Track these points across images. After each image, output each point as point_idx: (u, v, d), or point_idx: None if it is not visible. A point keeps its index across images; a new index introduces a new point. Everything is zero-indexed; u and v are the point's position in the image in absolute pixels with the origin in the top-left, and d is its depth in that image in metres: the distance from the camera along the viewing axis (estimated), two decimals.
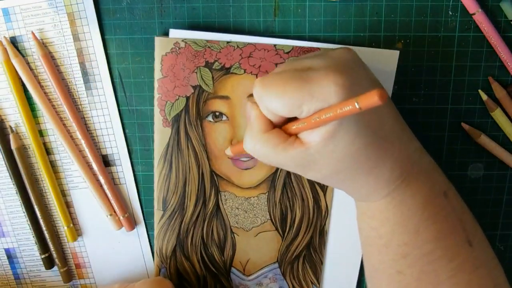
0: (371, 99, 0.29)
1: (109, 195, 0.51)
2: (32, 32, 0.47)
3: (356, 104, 0.30)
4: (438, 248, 0.40)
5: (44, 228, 0.52)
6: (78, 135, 0.49)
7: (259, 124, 0.38)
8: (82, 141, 0.50)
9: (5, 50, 0.47)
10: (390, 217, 0.40)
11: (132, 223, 0.52)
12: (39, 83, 0.48)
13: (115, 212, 0.51)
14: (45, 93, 0.49)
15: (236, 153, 0.46)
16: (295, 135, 0.38)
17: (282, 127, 0.39)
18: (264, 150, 0.38)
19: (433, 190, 0.40)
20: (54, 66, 0.48)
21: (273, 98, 0.36)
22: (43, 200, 0.51)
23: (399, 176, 0.39)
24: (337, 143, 0.36)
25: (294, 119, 0.37)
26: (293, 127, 0.37)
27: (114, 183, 0.51)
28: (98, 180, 0.51)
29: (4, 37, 0.47)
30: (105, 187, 0.51)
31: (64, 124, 0.50)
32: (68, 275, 0.54)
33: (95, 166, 0.50)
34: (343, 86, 0.34)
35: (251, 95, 0.39)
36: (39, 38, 0.48)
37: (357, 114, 0.35)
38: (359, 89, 0.35)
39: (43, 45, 0.48)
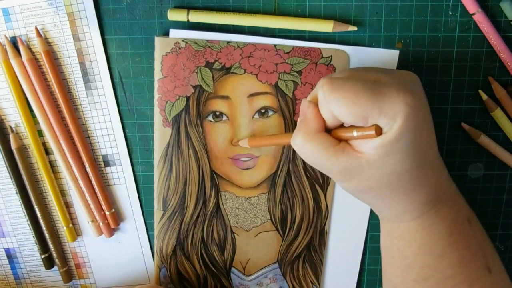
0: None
1: (89, 200, 0.51)
2: (36, 27, 0.47)
3: (354, 133, 0.34)
4: (459, 274, 0.40)
5: (44, 228, 0.52)
6: (62, 141, 0.49)
7: (315, 124, 0.38)
8: (65, 147, 0.50)
9: (4, 50, 0.47)
10: (418, 239, 0.41)
11: (111, 229, 0.52)
12: (39, 83, 0.48)
13: (95, 218, 0.52)
14: (44, 93, 0.48)
15: (254, 145, 0.47)
16: (345, 141, 0.38)
17: (332, 131, 0.39)
18: (314, 151, 0.38)
19: (458, 216, 0.41)
20: (55, 63, 0.48)
21: (342, 104, 0.36)
22: (43, 200, 0.51)
23: (432, 201, 0.40)
24: (389, 158, 0.36)
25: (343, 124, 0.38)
26: (342, 133, 0.38)
27: (101, 185, 0.51)
28: (80, 187, 0.51)
29: (5, 36, 0.47)
30: (86, 193, 0.51)
31: (58, 126, 0.49)
32: (68, 275, 0.54)
33: (76, 172, 0.50)
34: (412, 107, 0.35)
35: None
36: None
37: (413, 135, 0.35)
38: (422, 112, 0.36)
39: (46, 42, 0.48)
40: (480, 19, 0.46)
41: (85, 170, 0.50)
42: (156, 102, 0.48)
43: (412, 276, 0.42)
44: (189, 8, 0.47)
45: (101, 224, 0.52)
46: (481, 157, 0.51)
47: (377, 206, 0.42)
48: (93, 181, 0.51)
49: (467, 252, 0.40)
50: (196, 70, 0.47)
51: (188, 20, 0.47)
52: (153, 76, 0.48)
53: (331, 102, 0.37)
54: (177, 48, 0.47)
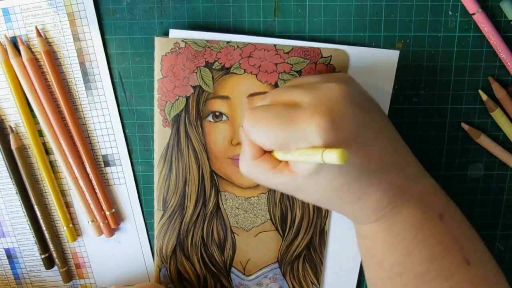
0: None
1: (89, 200, 0.51)
2: (36, 27, 0.47)
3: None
4: (433, 269, 0.40)
5: (44, 228, 0.52)
6: (62, 141, 0.49)
7: (250, 151, 0.40)
8: (65, 147, 0.50)
9: (4, 50, 0.47)
10: (381, 239, 0.42)
11: (111, 229, 0.52)
12: (39, 83, 0.48)
13: (96, 219, 0.52)
14: (44, 93, 0.48)
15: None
16: (285, 162, 0.39)
17: (273, 152, 0.40)
18: (257, 175, 0.41)
19: (426, 214, 0.41)
20: (55, 63, 0.48)
21: (259, 135, 0.38)
22: (43, 200, 0.51)
23: (387, 205, 0.40)
24: (321, 178, 0.37)
25: None
26: (281, 155, 0.39)
27: (101, 185, 0.51)
28: (81, 187, 0.51)
29: (5, 35, 0.47)
30: (86, 193, 0.51)
31: (58, 126, 0.49)
32: (68, 275, 0.54)
33: (76, 172, 0.50)
34: (326, 129, 0.35)
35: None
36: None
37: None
38: (345, 128, 0.36)
39: (46, 42, 0.48)
40: (480, 19, 0.46)
41: (85, 170, 0.50)
42: (156, 102, 0.48)
43: (385, 273, 0.42)
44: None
45: (101, 224, 0.52)
46: (481, 157, 0.51)
47: (336, 211, 0.44)
48: (93, 181, 0.51)
49: (439, 248, 0.41)
50: (195, 70, 0.47)
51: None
52: (153, 76, 0.48)
53: (251, 134, 0.39)
54: (177, 48, 0.47)
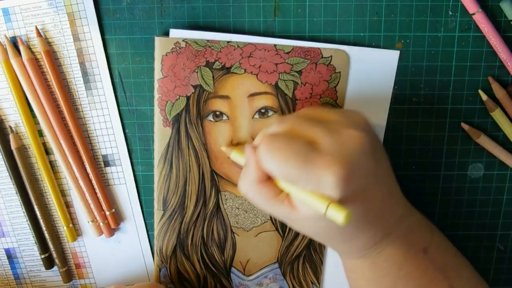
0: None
1: (90, 200, 0.51)
2: (36, 27, 0.47)
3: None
4: None
5: (44, 228, 0.52)
6: (62, 140, 0.49)
7: (255, 175, 0.39)
8: (65, 146, 0.50)
9: (4, 50, 0.47)
10: (366, 274, 0.43)
11: (111, 229, 0.52)
12: (39, 83, 0.48)
13: (96, 219, 0.52)
14: (44, 93, 0.48)
15: (237, 162, 0.47)
16: (287, 193, 0.39)
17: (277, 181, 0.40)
18: (256, 199, 0.40)
19: (410, 250, 0.42)
20: (55, 63, 0.48)
21: (273, 165, 0.38)
22: (43, 200, 0.51)
23: (373, 245, 0.41)
24: (320, 222, 0.38)
25: None
26: (286, 187, 0.39)
27: (101, 185, 0.51)
28: (81, 187, 0.51)
29: (5, 35, 0.47)
30: (86, 193, 0.51)
31: (58, 126, 0.49)
32: (68, 275, 0.54)
33: (77, 173, 0.50)
34: (341, 181, 0.35)
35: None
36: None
37: (350, 205, 0.36)
38: (357, 182, 0.36)
39: (46, 42, 0.48)
40: (480, 19, 0.46)
41: (85, 170, 0.50)
42: (156, 102, 0.48)
43: None
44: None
45: (101, 224, 0.52)
46: (481, 157, 0.51)
47: (325, 244, 0.46)
48: (93, 181, 0.51)
49: (423, 279, 0.41)
50: (196, 70, 0.47)
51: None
52: (153, 76, 0.48)
53: (265, 160, 0.38)
54: (177, 48, 0.47)
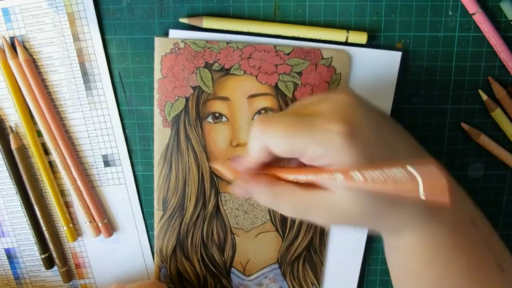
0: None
1: (88, 201, 0.51)
2: (3, 37, 0.48)
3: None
4: (471, 278, 0.39)
5: (44, 228, 0.52)
6: (59, 141, 0.50)
7: (267, 182, 0.38)
8: (62, 147, 0.50)
9: (2, 51, 0.47)
10: (419, 251, 0.39)
11: (110, 230, 0.52)
12: (36, 83, 0.48)
13: (94, 219, 0.52)
14: (41, 93, 0.48)
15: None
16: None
17: (279, 173, 0.38)
18: (287, 202, 0.38)
19: (460, 219, 0.39)
20: (36, 72, 0.48)
21: (276, 137, 0.36)
22: (43, 200, 0.51)
23: (423, 213, 0.38)
24: (361, 196, 0.35)
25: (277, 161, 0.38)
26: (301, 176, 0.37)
27: (92, 185, 0.52)
28: (78, 186, 0.51)
29: (3, 37, 0.47)
30: (84, 193, 0.51)
31: (51, 127, 0.50)
32: (68, 275, 0.54)
33: (74, 172, 0.50)
34: (347, 132, 0.34)
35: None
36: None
37: (361, 152, 0.34)
38: (366, 129, 0.35)
39: (25, 51, 0.48)
40: (480, 19, 0.46)
41: (82, 171, 0.51)
42: (156, 103, 0.48)
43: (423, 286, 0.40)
44: (194, 14, 0.47)
45: (99, 224, 0.52)
46: (481, 157, 0.51)
47: (371, 228, 0.41)
48: (92, 183, 0.51)
49: (474, 256, 0.39)
50: (195, 71, 0.47)
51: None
52: (153, 76, 0.48)
53: (267, 136, 0.36)
54: (177, 49, 0.47)
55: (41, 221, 0.52)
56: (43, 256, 0.53)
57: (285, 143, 0.36)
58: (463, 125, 0.50)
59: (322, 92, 0.47)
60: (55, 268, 0.54)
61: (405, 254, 0.40)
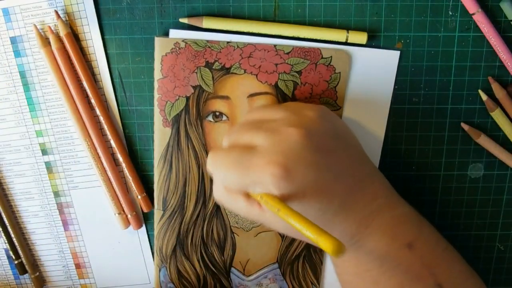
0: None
1: (119, 193, 0.51)
2: (56, 11, 0.47)
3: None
4: None
5: (12, 235, 0.52)
6: (92, 133, 0.49)
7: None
8: (93, 136, 0.50)
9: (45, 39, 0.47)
10: (349, 268, 0.43)
11: (140, 221, 0.52)
12: (68, 72, 0.48)
13: (123, 210, 0.51)
14: (72, 81, 0.48)
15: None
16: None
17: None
18: (229, 204, 0.41)
19: (392, 244, 0.41)
20: (77, 46, 0.48)
21: (220, 178, 0.40)
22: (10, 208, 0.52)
23: (351, 239, 0.40)
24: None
25: None
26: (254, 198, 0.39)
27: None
28: (108, 178, 0.51)
29: (34, 25, 0.47)
30: (114, 185, 0.51)
31: (82, 119, 0.49)
32: (39, 281, 0.54)
33: (105, 164, 0.50)
34: (280, 179, 0.36)
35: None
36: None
37: (302, 201, 0.37)
38: (302, 175, 0.37)
39: (67, 24, 0.48)
40: (480, 19, 0.46)
41: (113, 159, 0.51)
42: (156, 102, 0.48)
43: None
44: (194, 14, 0.47)
45: (129, 216, 0.51)
46: (481, 157, 0.51)
47: None
48: (125, 169, 0.51)
49: (407, 275, 0.41)
50: (196, 70, 0.47)
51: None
52: (153, 76, 0.48)
53: (213, 176, 0.41)
54: (177, 48, 0.47)
55: (8, 228, 0.52)
56: (16, 262, 0.53)
57: (230, 184, 0.39)
58: (463, 125, 0.50)
59: (328, 80, 0.48)
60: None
61: (339, 267, 0.45)
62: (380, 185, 0.43)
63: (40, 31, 0.47)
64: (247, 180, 0.38)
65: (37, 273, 0.53)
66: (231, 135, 0.42)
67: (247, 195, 0.39)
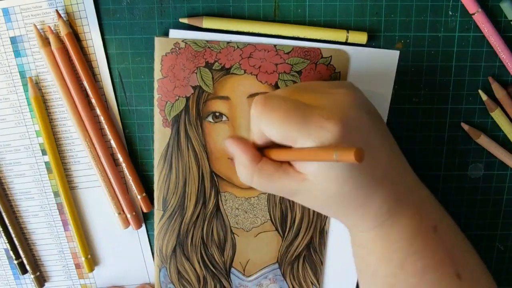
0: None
1: (118, 193, 0.51)
2: (57, 11, 0.47)
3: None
4: (424, 282, 0.40)
5: (13, 235, 0.52)
6: (92, 133, 0.49)
7: (249, 156, 0.40)
8: (93, 136, 0.50)
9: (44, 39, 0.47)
10: (377, 248, 0.41)
11: (140, 221, 0.52)
12: (67, 72, 0.48)
13: (123, 211, 0.51)
14: (72, 82, 0.48)
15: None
16: (287, 163, 0.39)
17: (268, 153, 0.40)
18: (261, 180, 0.40)
19: (421, 225, 0.41)
20: (78, 46, 0.48)
21: (272, 124, 0.37)
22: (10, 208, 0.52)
23: (386, 213, 0.40)
24: (331, 181, 0.37)
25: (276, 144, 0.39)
26: (282, 156, 0.38)
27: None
28: (108, 178, 0.51)
29: (34, 25, 0.47)
30: (114, 185, 0.51)
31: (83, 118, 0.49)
32: (39, 281, 0.54)
33: (105, 164, 0.50)
34: (340, 134, 0.35)
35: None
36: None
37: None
38: (357, 135, 0.37)
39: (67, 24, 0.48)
40: (480, 19, 0.46)
41: (114, 159, 0.50)
42: (156, 102, 0.48)
43: (377, 284, 0.42)
44: (194, 14, 0.47)
45: (129, 216, 0.51)
46: (481, 157, 0.51)
47: (334, 217, 0.43)
48: (125, 169, 0.51)
49: (432, 260, 0.40)
50: (195, 71, 0.47)
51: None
52: (153, 76, 0.48)
53: (263, 121, 0.38)
54: (177, 49, 0.47)
55: (9, 227, 0.52)
56: (16, 262, 0.53)
57: (278, 132, 0.37)
58: (463, 125, 0.50)
59: (327, 80, 0.47)
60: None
61: (365, 248, 0.42)
62: (406, 162, 0.43)
63: (40, 31, 0.47)
64: (305, 130, 0.36)
65: (38, 273, 0.53)
66: (277, 91, 0.40)
67: (278, 163, 0.39)
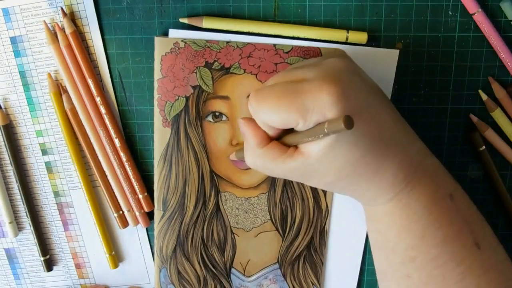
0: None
1: (118, 193, 0.51)
2: (62, 9, 0.47)
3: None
4: (445, 253, 0.39)
5: (43, 231, 0.52)
6: (99, 128, 0.49)
7: (255, 140, 0.40)
8: (103, 136, 0.50)
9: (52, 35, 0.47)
10: (396, 220, 0.40)
11: (147, 219, 0.52)
12: (75, 69, 0.48)
13: (126, 210, 0.51)
14: (80, 79, 0.48)
15: (241, 158, 0.46)
16: (294, 146, 0.39)
17: (281, 139, 0.40)
18: (265, 164, 0.40)
19: (438, 192, 0.40)
20: (83, 44, 0.48)
21: (268, 112, 0.37)
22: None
23: (403, 180, 0.39)
24: (335, 153, 0.36)
25: (291, 130, 0.39)
26: (290, 139, 0.38)
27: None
28: (108, 178, 0.51)
29: (43, 21, 0.47)
30: (114, 185, 0.51)
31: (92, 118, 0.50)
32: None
33: (105, 164, 0.50)
34: (338, 96, 0.35)
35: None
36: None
37: (358, 124, 0.35)
38: (356, 96, 0.36)
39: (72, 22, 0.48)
40: (480, 19, 0.46)
41: (121, 158, 0.50)
42: (155, 102, 0.48)
43: (397, 258, 0.41)
44: (194, 14, 0.47)
45: (137, 213, 0.51)
46: (481, 157, 0.51)
47: (350, 195, 0.42)
48: (128, 168, 0.51)
49: (450, 229, 0.40)
50: (195, 70, 0.47)
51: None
52: (153, 76, 0.48)
53: (259, 112, 0.38)
54: (177, 48, 0.47)
55: (41, 224, 0.52)
56: (42, 259, 0.52)
57: (277, 117, 0.37)
58: (472, 116, 0.49)
59: (315, 57, 0.47)
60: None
61: (384, 222, 0.42)
62: (411, 130, 0.42)
63: (42, 29, 0.47)
64: (301, 106, 0.35)
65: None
66: (271, 79, 0.41)
67: (284, 148, 0.39)
